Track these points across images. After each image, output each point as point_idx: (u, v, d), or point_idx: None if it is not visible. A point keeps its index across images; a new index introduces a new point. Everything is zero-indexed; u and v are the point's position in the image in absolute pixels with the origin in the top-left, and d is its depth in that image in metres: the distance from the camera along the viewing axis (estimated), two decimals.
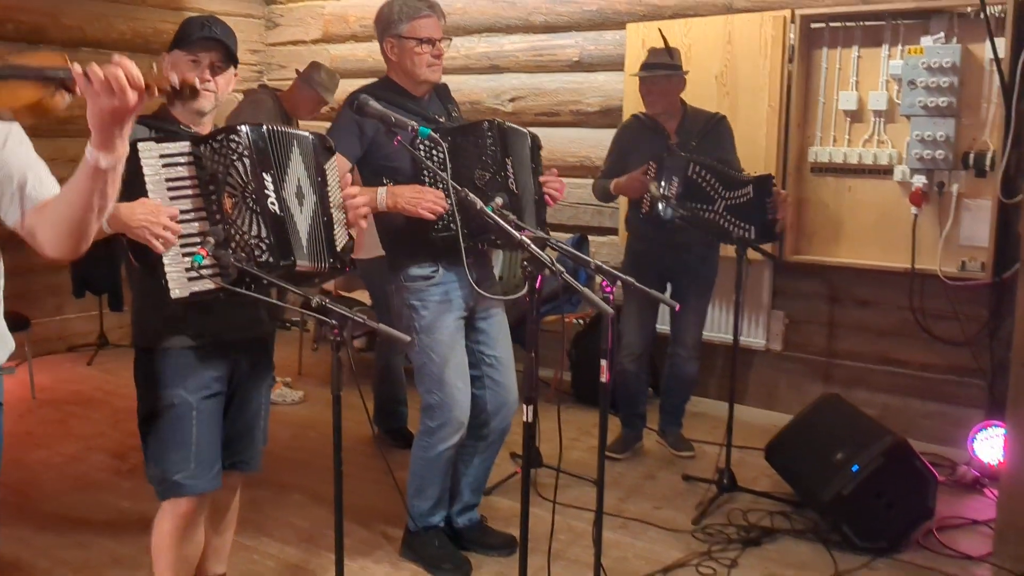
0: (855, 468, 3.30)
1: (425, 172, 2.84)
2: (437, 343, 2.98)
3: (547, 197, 3.10)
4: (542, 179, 3.10)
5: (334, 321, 2.12)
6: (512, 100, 5.66)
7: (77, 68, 1.50)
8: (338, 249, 2.40)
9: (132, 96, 1.49)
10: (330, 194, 2.39)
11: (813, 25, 4.58)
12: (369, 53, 6.20)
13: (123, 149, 1.59)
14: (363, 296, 5.22)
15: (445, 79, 3.15)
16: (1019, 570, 3.16)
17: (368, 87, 2.92)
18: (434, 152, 2.79)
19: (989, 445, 3.98)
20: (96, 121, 1.52)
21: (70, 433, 4.50)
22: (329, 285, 5.56)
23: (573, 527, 3.49)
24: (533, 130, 3.20)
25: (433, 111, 3.05)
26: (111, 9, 5.96)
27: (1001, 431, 3.79)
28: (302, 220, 2.28)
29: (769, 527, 3.49)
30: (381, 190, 2.86)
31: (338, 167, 2.82)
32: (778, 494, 3.74)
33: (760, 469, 3.98)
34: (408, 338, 2.15)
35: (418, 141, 2.67)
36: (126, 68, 1.49)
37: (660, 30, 4.29)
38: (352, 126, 2.90)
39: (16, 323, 4.86)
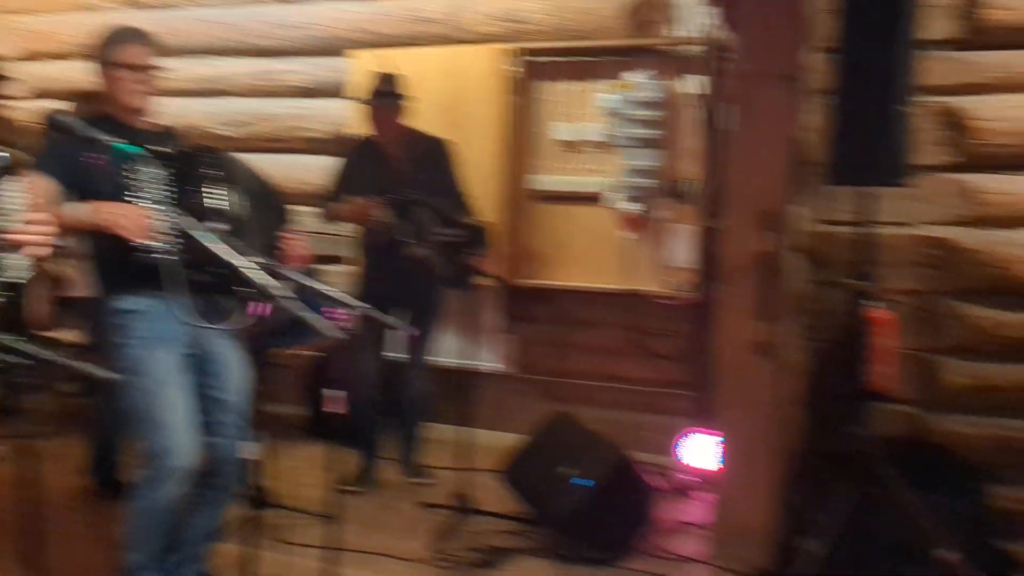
0: (585, 483, 3.43)
1: (128, 193, 2.64)
2: (149, 383, 2.74)
3: (285, 252, 3.00)
4: (285, 234, 3.02)
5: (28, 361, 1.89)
6: (236, 126, 5.44)
7: None
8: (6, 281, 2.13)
9: None
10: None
11: (532, 59, 4.77)
12: (77, 74, 5.71)
13: None
14: (75, 337, 4.76)
15: (164, 102, 3.05)
16: (737, 568, 3.40)
17: (80, 114, 2.74)
18: (139, 172, 2.61)
19: (697, 451, 4.27)
20: None
21: None
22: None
23: (310, 567, 3.34)
24: (260, 156, 3.13)
25: (153, 142, 2.87)
26: None
27: (708, 438, 4.09)
28: None
29: (505, 548, 3.54)
30: (81, 206, 2.64)
31: (43, 190, 2.60)
32: (514, 514, 3.80)
33: (497, 491, 4.03)
34: (107, 375, 1.95)
35: (118, 161, 2.51)
36: None
37: (385, 57, 4.30)
38: (54, 147, 2.74)
39: None
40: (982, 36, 4.03)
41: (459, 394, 4.60)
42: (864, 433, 3.52)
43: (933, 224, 4.14)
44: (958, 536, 3.30)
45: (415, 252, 3.87)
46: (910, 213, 4.11)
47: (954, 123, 4.08)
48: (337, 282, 5.18)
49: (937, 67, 4.01)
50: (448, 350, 4.99)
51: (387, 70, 4.11)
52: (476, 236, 3.99)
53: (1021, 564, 3.90)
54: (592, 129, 4.71)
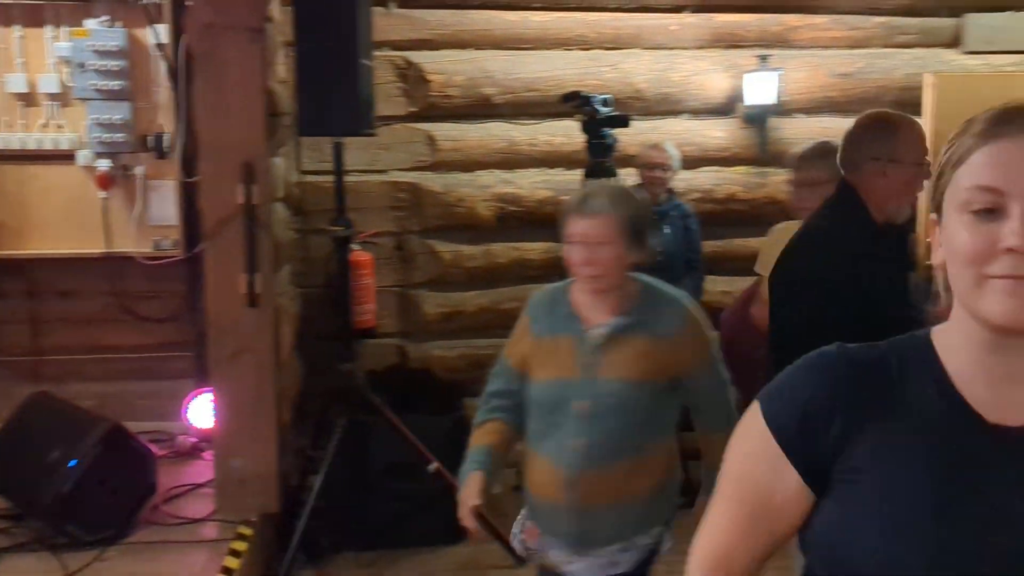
0: (73, 463, 3.20)
1: None
2: None
3: None
4: None
5: None
6: None
7: None
8: None
9: None
10: None
11: None
12: None
13: None
14: None
15: None
16: (239, 519, 3.44)
17: None
18: None
19: (201, 411, 4.23)
20: None
21: None
22: None
23: None
24: None
25: None
26: None
27: (210, 396, 4.06)
28: None
29: None
30: None
31: None
32: None
33: None
34: None
35: None
36: None
37: None
38: None
39: None
40: None
41: None
42: (355, 368, 3.77)
43: (401, 170, 4.50)
44: (442, 448, 3.71)
45: None
46: (379, 160, 4.42)
47: (410, 76, 4.44)
48: None
49: (391, 23, 4.34)
50: None
51: None
52: None
53: None
54: (49, 80, 4.29)
